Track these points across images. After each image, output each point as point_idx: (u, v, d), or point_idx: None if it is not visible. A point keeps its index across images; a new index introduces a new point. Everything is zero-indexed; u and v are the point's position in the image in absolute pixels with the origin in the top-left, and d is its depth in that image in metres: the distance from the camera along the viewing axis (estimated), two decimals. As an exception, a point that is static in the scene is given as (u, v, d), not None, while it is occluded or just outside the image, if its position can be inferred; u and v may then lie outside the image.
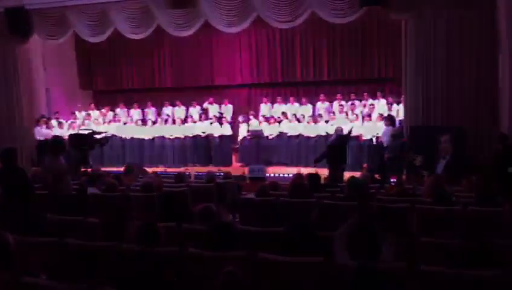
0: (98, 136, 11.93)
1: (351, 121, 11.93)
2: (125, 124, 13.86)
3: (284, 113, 13.19)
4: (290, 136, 12.73)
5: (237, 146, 13.55)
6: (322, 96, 13.59)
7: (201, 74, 15.51)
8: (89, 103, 15.22)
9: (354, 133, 11.52)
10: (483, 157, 9.32)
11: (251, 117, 13.23)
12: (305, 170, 9.30)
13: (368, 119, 12.01)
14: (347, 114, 12.37)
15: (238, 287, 2.66)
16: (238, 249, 3.53)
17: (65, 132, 12.52)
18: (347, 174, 8.53)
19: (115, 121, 13.88)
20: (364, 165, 11.29)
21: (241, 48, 15.01)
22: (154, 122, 13.69)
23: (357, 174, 8.13)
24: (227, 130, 13.18)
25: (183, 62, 15.61)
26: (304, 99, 13.69)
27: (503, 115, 9.67)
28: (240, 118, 13.53)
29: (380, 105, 12.67)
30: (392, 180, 9.04)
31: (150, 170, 10.86)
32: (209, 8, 11.33)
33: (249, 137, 12.80)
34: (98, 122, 13.56)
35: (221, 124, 13.14)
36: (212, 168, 11.70)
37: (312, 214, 5.22)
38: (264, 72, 14.90)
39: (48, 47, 13.76)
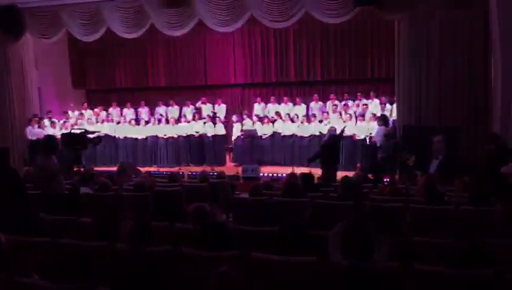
0: (90, 136, 11.86)
1: (344, 121, 11.95)
2: (118, 123, 13.81)
3: (277, 113, 13.20)
4: (284, 136, 12.74)
5: (231, 146, 13.55)
6: (315, 96, 13.61)
7: (195, 74, 15.48)
8: (82, 102, 15.15)
9: (347, 133, 11.57)
10: (476, 157, 9.37)
11: (245, 117, 13.22)
12: (298, 170, 9.31)
13: (361, 119, 12.04)
14: (341, 114, 12.39)
15: (232, 287, 2.65)
16: (231, 249, 3.52)
17: (58, 132, 12.46)
18: (341, 174, 8.54)
19: (108, 120, 13.82)
20: (358, 164, 11.32)
21: (235, 48, 15.00)
22: (147, 122, 13.65)
23: (351, 173, 8.14)
24: (220, 129, 13.16)
25: (177, 62, 15.60)
26: (298, 99, 13.71)
27: (495, 115, 9.73)
28: (234, 118, 13.52)
29: (373, 105, 12.71)
30: (385, 180, 9.07)
31: (143, 169, 10.83)
32: (203, 8, 11.31)
33: (242, 137, 12.79)
34: (91, 121, 13.50)
35: (214, 123, 13.12)
36: (206, 168, 11.68)
37: (305, 213, 5.22)
38: (258, 72, 14.89)
39: (40, 46, 13.68)
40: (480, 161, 8.82)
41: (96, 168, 9.90)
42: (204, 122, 13.10)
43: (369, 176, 8.61)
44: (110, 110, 14.55)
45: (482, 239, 3.65)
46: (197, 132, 13.12)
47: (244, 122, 13.08)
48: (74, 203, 5.72)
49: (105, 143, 13.32)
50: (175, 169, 11.94)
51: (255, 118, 13.24)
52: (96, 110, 14.40)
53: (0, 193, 5.52)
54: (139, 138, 13.39)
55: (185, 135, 13.18)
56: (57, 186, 6.19)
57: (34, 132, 12.66)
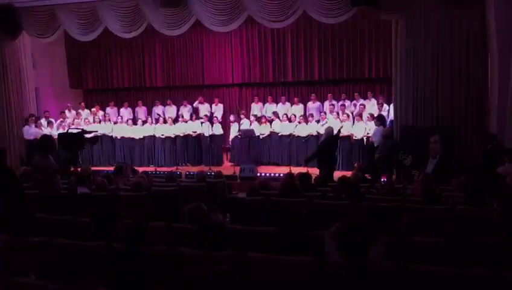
0: (88, 136, 11.82)
1: (342, 121, 11.95)
2: (115, 123, 13.78)
3: (275, 113, 13.21)
4: (281, 136, 12.74)
5: (228, 146, 13.55)
6: (313, 96, 13.62)
7: (193, 74, 15.45)
8: (79, 102, 15.12)
9: (345, 133, 11.59)
10: (473, 157, 9.40)
11: (242, 117, 13.22)
12: (296, 170, 9.31)
13: (359, 119, 12.05)
14: (338, 114, 12.40)
15: (229, 287, 2.66)
16: (228, 249, 3.52)
17: (55, 131, 12.43)
18: (339, 174, 8.55)
19: (105, 120, 13.79)
20: (356, 164, 11.33)
21: (233, 48, 14.97)
22: (144, 122, 13.63)
23: (348, 173, 8.15)
24: (218, 129, 13.16)
25: (174, 61, 15.56)
26: (295, 99, 13.71)
27: (492, 115, 9.76)
28: (231, 118, 13.52)
29: (371, 105, 12.72)
30: (382, 179, 9.10)
31: (140, 169, 10.82)
32: (200, 8, 11.31)
33: (240, 137, 12.79)
34: (88, 121, 13.48)
35: (212, 123, 13.12)
36: (203, 168, 11.69)
37: (302, 213, 5.23)
38: (256, 71, 14.87)
39: (37, 46, 13.66)
40: (476, 161, 8.86)
41: (93, 168, 9.89)
42: (202, 122, 13.09)
43: (367, 176, 8.63)
44: (108, 110, 14.53)
45: (478, 238, 3.66)
46: (194, 132, 13.12)
47: (241, 122, 13.08)
48: (71, 203, 5.71)
49: (103, 143, 13.32)
50: (172, 169, 11.94)
51: (252, 117, 13.23)
52: (93, 110, 14.37)
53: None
54: (136, 137, 13.37)
55: (182, 134, 13.16)
56: (54, 186, 6.18)
57: (31, 132, 12.64)
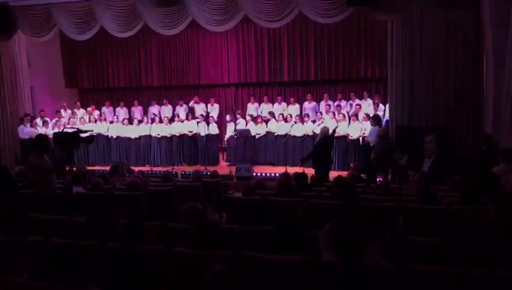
0: (83, 135, 11.80)
1: (338, 121, 11.97)
2: (111, 122, 13.76)
3: (271, 113, 13.21)
4: (277, 136, 12.75)
5: (224, 145, 13.54)
6: (309, 96, 13.64)
7: (188, 73, 15.45)
8: (75, 101, 15.08)
9: (341, 133, 11.62)
10: (468, 158, 9.42)
11: (238, 116, 13.22)
12: (292, 170, 9.32)
13: (355, 119, 12.07)
14: (334, 114, 12.41)
15: (225, 286, 2.65)
16: (224, 248, 3.52)
17: (50, 131, 12.39)
18: (334, 174, 8.56)
19: (100, 119, 13.77)
20: (351, 164, 11.34)
21: (229, 48, 14.98)
22: (140, 121, 13.61)
23: (344, 173, 8.16)
24: (214, 129, 13.15)
25: (170, 61, 15.55)
26: (292, 99, 13.72)
27: (487, 115, 9.79)
28: (227, 118, 13.52)
29: (366, 105, 12.75)
30: (378, 179, 9.11)
31: (136, 169, 10.80)
32: (196, 7, 11.30)
33: (236, 136, 12.79)
34: (83, 120, 13.44)
35: (208, 123, 13.11)
36: (199, 168, 11.68)
37: (298, 213, 5.23)
38: (252, 71, 14.88)
39: (33, 45, 13.61)
40: (472, 161, 8.88)
41: (88, 168, 9.86)
42: (198, 122, 13.08)
43: (363, 175, 8.64)
44: (103, 109, 14.51)
45: (473, 238, 3.67)
46: (190, 132, 13.10)
47: (237, 122, 13.07)
48: (66, 203, 5.69)
49: (98, 142, 13.28)
50: (168, 169, 11.93)
51: (248, 117, 13.23)
52: (89, 109, 14.34)
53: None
54: (132, 137, 13.35)
55: (178, 134, 13.16)
56: (49, 185, 6.15)
57: (26, 131, 12.59)
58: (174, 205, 5.23)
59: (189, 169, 11.71)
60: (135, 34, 12.57)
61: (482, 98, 10.05)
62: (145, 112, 14.59)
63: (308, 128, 12.38)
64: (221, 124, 13.98)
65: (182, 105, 14.18)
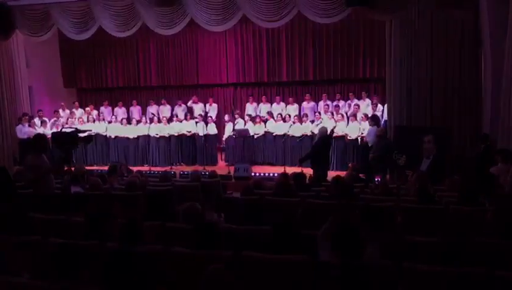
0: (81, 135, 11.79)
1: (336, 121, 11.98)
2: (109, 122, 13.75)
3: (269, 113, 13.22)
4: (276, 136, 12.75)
5: (223, 145, 13.54)
6: (307, 96, 13.64)
7: (187, 73, 15.44)
8: (73, 101, 15.06)
9: (339, 133, 11.64)
10: (466, 158, 9.44)
11: (237, 116, 13.22)
12: (290, 170, 9.32)
13: (353, 119, 12.08)
14: (332, 114, 12.42)
15: (223, 286, 2.65)
16: (223, 248, 3.52)
17: (48, 130, 12.38)
18: (333, 174, 8.56)
19: (99, 119, 13.76)
20: (350, 164, 11.36)
21: (227, 47, 14.97)
22: (138, 121, 13.60)
23: (343, 173, 8.16)
24: (212, 129, 13.15)
25: (169, 61, 15.53)
26: (290, 99, 13.72)
27: (485, 115, 9.81)
28: (226, 117, 13.52)
29: (365, 105, 12.75)
30: (376, 179, 9.12)
31: (134, 169, 10.80)
32: (195, 7, 11.30)
33: (234, 136, 12.79)
34: (82, 120, 13.43)
35: (206, 123, 13.11)
36: (198, 168, 11.68)
37: (297, 213, 5.24)
38: (250, 71, 14.87)
39: (31, 45, 13.59)
40: (470, 161, 8.90)
41: (87, 168, 9.85)
42: (196, 122, 13.07)
43: (361, 175, 8.65)
44: (102, 109, 14.50)
45: (472, 238, 3.68)
46: (189, 132, 13.10)
47: (236, 121, 13.07)
48: (65, 203, 5.69)
49: (97, 142, 13.28)
50: (167, 168, 11.92)
51: (247, 117, 13.23)
52: (87, 109, 14.32)
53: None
54: (131, 137, 13.34)
55: (176, 134, 13.15)
56: (48, 185, 6.15)
57: (24, 131, 12.57)
58: (173, 205, 5.23)
59: (188, 169, 11.70)
60: (133, 34, 12.55)
61: (480, 98, 10.06)
62: (144, 112, 14.57)
63: (307, 128, 12.38)
64: (219, 124, 13.98)
65: (180, 105, 14.17)
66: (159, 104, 14.61)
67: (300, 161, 9.94)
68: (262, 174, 11.27)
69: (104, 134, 13.45)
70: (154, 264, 3.40)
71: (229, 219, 5.64)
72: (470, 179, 6.66)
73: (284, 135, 12.60)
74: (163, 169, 11.72)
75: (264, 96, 14.24)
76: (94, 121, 13.66)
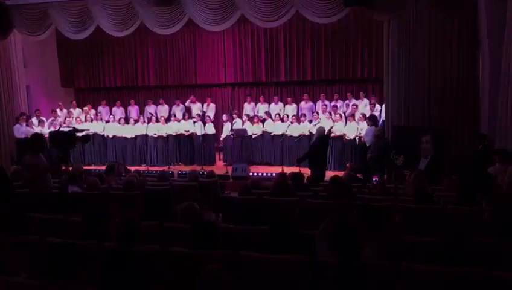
0: (79, 134, 11.79)
1: (334, 121, 11.99)
2: (107, 122, 13.74)
3: (267, 113, 13.22)
4: (274, 136, 12.75)
5: (221, 145, 13.54)
6: (305, 96, 13.65)
7: (185, 73, 15.43)
8: (71, 100, 15.04)
9: (337, 133, 11.64)
10: (464, 158, 9.45)
11: (235, 116, 13.22)
12: (288, 170, 9.32)
13: (351, 119, 12.09)
14: (330, 114, 12.43)
15: (221, 285, 2.65)
16: (221, 248, 3.52)
17: (46, 130, 12.36)
18: (331, 174, 8.57)
19: (97, 119, 13.74)
20: (348, 164, 11.37)
21: (225, 47, 14.96)
22: (136, 121, 13.58)
23: (341, 173, 8.16)
24: (210, 129, 13.15)
25: (167, 60, 15.52)
26: (289, 99, 13.72)
27: (483, 115, 9.82)
28: (224, 117, 13.51)
29: (363, 105, 12.77)
30: (374, 179, 9.13)
31: (132, 169, 10.78)
32: (193, 6, 11.29)
33: (232, 136, 12.79)
34: (79, 120, 13.41)
35: (204, 123, 13.10)
36: (196, 167, 11.67)
37: (295, 212, 5.24)
38: (248, 71, 14.86)
39: (28, 44, 13.57)
40: (468, 161, 8.91)
41: (85, 167, 9.84)
42: (194, 122, 13.07)
43: (359, 175, 8.66)
44: (99, 108, 14.48)
45: (469, 238, 3.68)
46: (186, 131, 13.10)
47: (234, 121, 13.07)
48: (62, 202, 5.68)
49: (94, 142, 13.27)
50: (164, 168, 11.92)
51: (245, 117, 13.23)
52: (85, 108, 14.31)
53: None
54: (129, 136, 13.33)
55: (174, 134, 13.14)
56: (45, 185, 6.14)
57: (22, 130, 12.55)
58: (171, 205, 5.22)
59: (186, 169, 11.70)
60: (132, 34, 12.55)
61: (478, 98, 10.08)
62: (142, 112, 14.56)
63: (305, 128, 12.39)
64: (217, 123, 13.98)
65: (178, 105, 14.16)
66: (157, 103, 14.61)
67: (298, 161, 9.95)
68: (260, 174, 11.27)
69: (102, 134, 13.44)
70: (152, 264, 3.39)
71: (226, 218, 5.64)
72: (467, 179, 6.66)
73: (282, 135, 12.61)
74: (161, 169, 11.71)
75: (262, 96, 14.24)
76: (92, 120, 13.63)
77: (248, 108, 13.91)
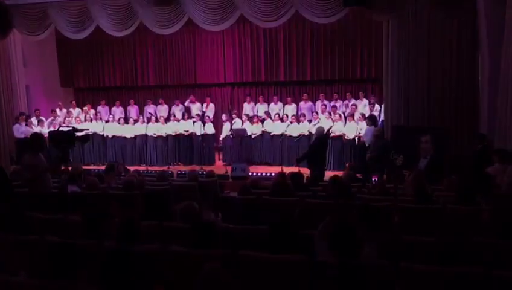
0: (78, 134, 11.78)
1: (333, 121, 11.99)
2: (107, 122, 13.73)
3: (267, 113, 13.22)
4: (273, 136, 12.76)
5: (220, 145, 13.54)
6: (304, 96, 13.65)
7: (185, 73, 15.42)
8: (70, 100, 15.03)
9: (337, 133, 11.64)
10: (464, 157, 9.46)
11: (234, 116, 13.22)
12: (287, 170, 9.32)
13: (351, 119, 12.09)
14: (330, 114, 12.44)
15: (219, 284, 2.65)
16: (220, 247, 3.52)
17: (45, 130, 12.36)
18: (330, 173, 8.57)
19: (96, 119, 13.73)
20: (347, 164, 11.37)
21: (225, 47, 14.96)
22: (136, 121, 13.58)
23: (340, 173, 8.17)
24: (210, 129, 13.14)
25: (166, 60, 15.51)
26: (288, 99, 13.73)
27: (482, 115, 9.83)
28: (223, 117, 13.52)
29: (362, 105, 12.77)
30: (373, 179, 9.13)
31: (132, 168, 10.78)
32: (193, 6, 11.30)
33: (232, 136, 12.79)
34: (79, 120, 13.41)
35: (204, 123, 13.10)
36: (195, 167, 11.67)
37: (295, 212, 5.24)
38: (248, 71, 14.87)
39: (28, 44, 13.57)
40: (467, 161, 8.92)
41: (84, 167, 9.84)
42: (194, 122, 13.07)
43: (358, 175, 8.66)
44: (99, 108, 14.48)
45: (468, 238, 3.68)
46: (186, 131, 13.09)
47: (233, 121, 13.07)
48: (62, 202, 5.68)
49: (94, 142, 13.26)
50: (164, 168, 11.91)
51: (244, 117, 13.23)
52: (85, 108, 14.30)
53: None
54: (128, 136, 13.32)
55: (174, 134, 13.14)
56: (45, 184, 6.14)
57: (21, 130, 12.54)
58: (170, 205, 5.22)
59: (185, 169, 11.69)
60: (131, 33, 12.55)
61: (477, 98, 10.08)
62: (141, 112, 14.55)
63: (304, 128, 12.39)
64: (217, 123, 13.98)
65: (178, 104, 14.16)
66: (156, 103, 14.62)
67: (298, 161, 9.95)
68: (259, 174, 11.27)
69: (102, 133, 13.43)
70: (152, 263, 3.40)
71: (226, 218, 5.64)
72: (467, 179, 6.66)
73: (282, 134, 12.60)
74: (160, 169, 11.69)
75: (261, 96, 14.24)
76: (91, 120, 13.62)
77: (247, 108, 13.91)
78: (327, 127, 10.62)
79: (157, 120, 13.35)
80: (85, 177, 7.23)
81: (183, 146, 13.19)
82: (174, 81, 15.54)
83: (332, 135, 11.22)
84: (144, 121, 13.49)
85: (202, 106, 14.10)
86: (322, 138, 9.82)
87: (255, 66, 14.74)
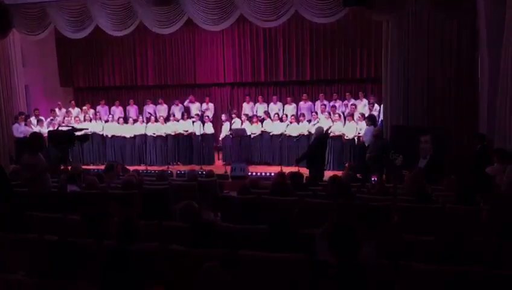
0: (78, 134, 11.77)
1: (333, 121, 11.99)
2: (106, 121, 13.73)
3: (266, 112, 13.22)
4: (273, 135, 12.76)
5: (219, 145, 13.54)
6: (304, 96, 13.66)
7: (184, 73, 15.42)
8: (69, 100, 15.03)
9: (336, 133, 11.64)
10: (463, 157, 9.46)
11: (233, 116, 13.22)
12: (287, 169, 9.32)
13: (350, 119, 12.09)
14: (329, 114, 12.44)
15: (219, 284, 2.65)
16: (219, 247, 3.52)
17: (45, 129, 12.35)
18: (330, 173, 8.57)
19: (95, 118, 13.73)
20: (347, 164, 11.37)
21: (224, 47, 14.96)
22: (135, 121, 13.57)
23: (339, 173, 8.17)
24: (209, 128, 13.14)
25: (166, 60, 15.51)
26: (288, 99, 13.73)
27: (482, 115, 9.83)
28: (223, 117, 13.52)
29: (362, 105, 12.78)
30: (373, 179, 9.13)
31: (131, 168, 10.77)
32: (192, 6, 11.30)
33: (231, 136, 12.79)
34: (78, 119, 13.40)
35: (203, 122, 13.10)
36: (194, 167, 11.67)
37: (294, 212, 5.24)
38: (247, 71, 14.87)
39: (27, 43, 13.56)
40: (467, 161, 8.92)
41: (83, 167, 9.84)
42: (193, 121, 13.07)
43: (358, 175, 8.66)
44: (98, 108, 14.48)
45: (468, 238, 3.69)
46: (185, 131, 13.09)
47: (233, 121, 13.07)
48: (61, 202, 5.68)
49: (93, 141, 13.25)
50: (163, 168, 11.91)
51: (243, 117, 13.23)
52: (84, 108, 14.30)
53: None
54: (127, 136, 13.32)
55: (173, 133, 13.14)
56: (44, 184, 6.14)
57: (20, 130, 12.54)
58: (170, 204, 5.22)
59: (185, 168, 11.69)
60: (131, 33, 12.56)
61: (477, 98, 10.08)
62: (141, 111, 14.55)
63: (304, 128, 12.39)
64: (216, 123, 13.98)
65: (177, 104, 14.16)
66: (156, 103, 14.62)
67: (297, 161, 9.95)
68: (259, 173, 11.28)
69: (101, 133, 13.43)
70: (151, 262, 3.39)
71: (225, 217, 5.65)
72: (467, 179, 6.67)
73: (281, 134, 12.61)
74: (160, 168, 11.69)
75: (260, 96, 14.25)
76: (91, 120, 13.62)
77: (247, 108, 13.91)
78: (326, 127, 10.62)
79: (156, 120, 13.35)
80: (84, 176, 7.23)
81: (183, 146, 13.19)
82: (174, 81, 15.54)
83: (331, 134, 11.23)
84: (143, 121, 13.49)
85: (202, 105, 14.10)
86: (322, 137, 9.82)
87: (254, 66, 14.74)
